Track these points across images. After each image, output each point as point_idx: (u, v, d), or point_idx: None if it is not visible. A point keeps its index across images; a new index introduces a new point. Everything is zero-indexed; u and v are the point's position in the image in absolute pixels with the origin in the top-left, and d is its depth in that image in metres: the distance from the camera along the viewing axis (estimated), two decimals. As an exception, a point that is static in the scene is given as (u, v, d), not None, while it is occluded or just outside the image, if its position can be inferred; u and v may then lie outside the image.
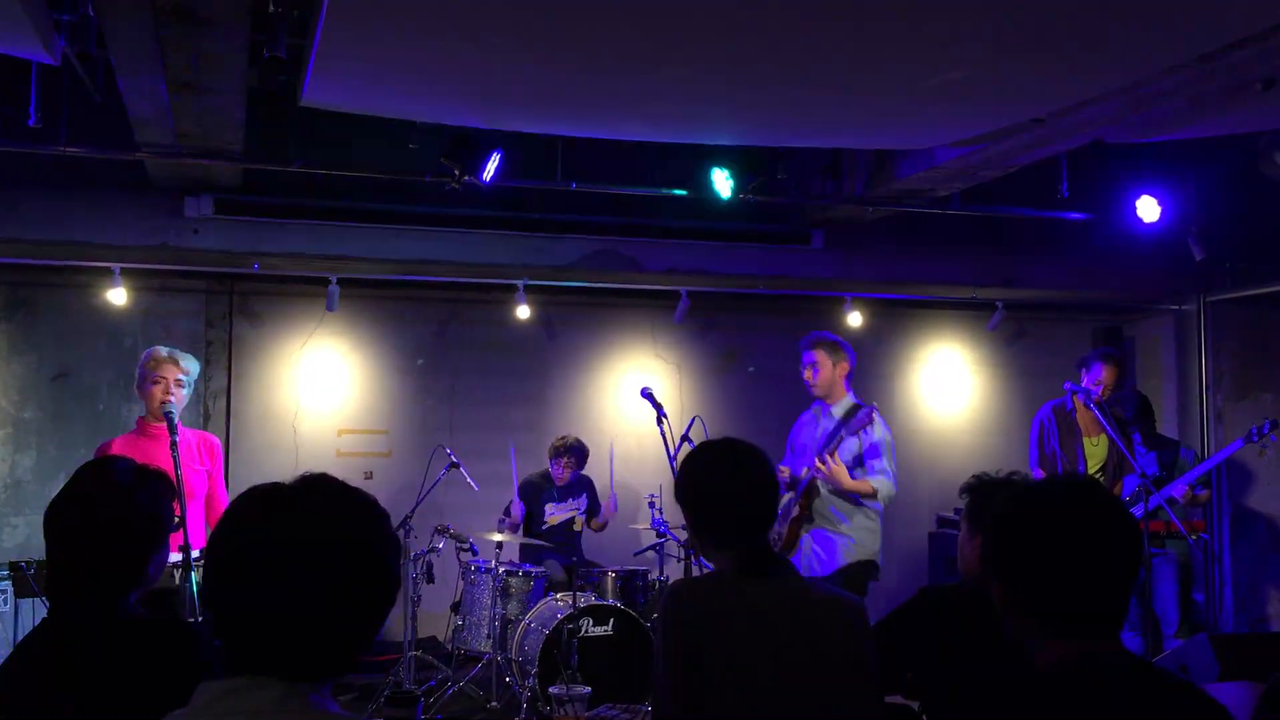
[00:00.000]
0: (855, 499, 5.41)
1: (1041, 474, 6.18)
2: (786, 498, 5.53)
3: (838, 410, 5.61)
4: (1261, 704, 1.96)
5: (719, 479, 2.76)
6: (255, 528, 1.57)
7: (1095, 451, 6.30)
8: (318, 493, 1.61)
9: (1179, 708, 1.86)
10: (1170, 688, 1.88)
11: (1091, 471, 6.25)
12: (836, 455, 5.32)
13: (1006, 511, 2.00)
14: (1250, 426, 6.30)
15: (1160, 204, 6.97)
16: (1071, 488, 2.03)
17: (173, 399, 4.88)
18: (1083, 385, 6.30)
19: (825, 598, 2.72)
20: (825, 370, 5.61)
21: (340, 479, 1.65)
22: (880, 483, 5.38)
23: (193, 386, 5.12)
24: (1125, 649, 1.93)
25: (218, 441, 5.19)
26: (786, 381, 7.79)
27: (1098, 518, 1.92)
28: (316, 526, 1.56)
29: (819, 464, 5.30)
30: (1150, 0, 3.73)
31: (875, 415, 5.45)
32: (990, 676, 1.96)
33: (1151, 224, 7.03)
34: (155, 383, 4.92)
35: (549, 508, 7.06)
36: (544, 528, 7.02)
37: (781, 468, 5.61)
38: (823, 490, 5.44)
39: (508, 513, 6.90)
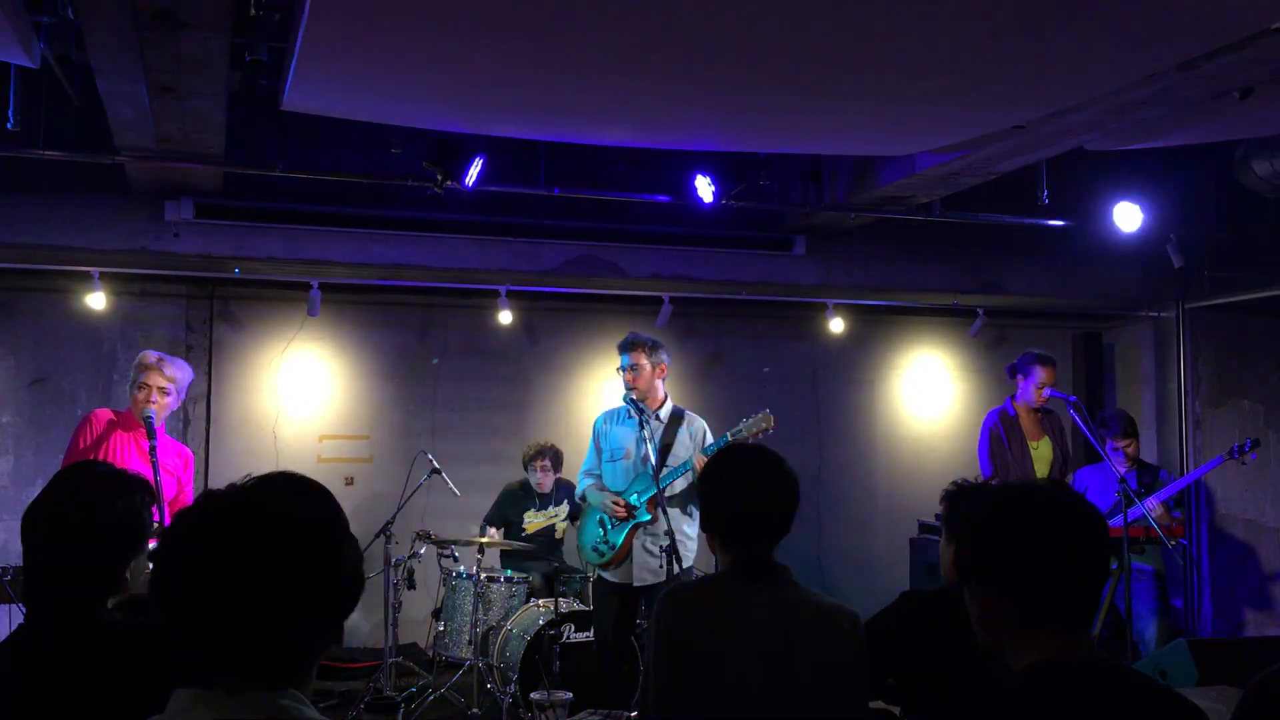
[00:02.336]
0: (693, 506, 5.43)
1: (993, 479, 6.23)
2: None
3: (664, 413, 5.61)
4: (1239, 708, 1.97)
5: (732, 479, 2.80)
6: (196, 551, 1.50)
7: (1040, 454, 6.36)
8: (266, 496, 1.54)
9: (1155, 708, 1.88)
10: (1146, 688, 1.90)
11: (1040, 475, 6.30)
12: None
13: (977, 516, 2.02)
14: (1231, 441, 6.35)
15: (1139, 211, 7.01)
16: (1039, 490, 2.06)
17: (154, 406, 4.88)
18: (1020, 390, 6.38)
19: (821, 605, 2.73)
20: (644, 373, 5.57)
21: (293, 475, 1.58)
22: None
23: (183, 394, 5.13)
24: (1099, 651, 1.95)
25: (191, 455, 5.26)
26: (768, 386, 7.82)
27: (1068, 518, 1.94)
28: (261, 545, 1.49)
29: (700, 459, 5.27)
30: (1130, 9, 3.75)
31: (693, 416, 5.63)
32: (969, 681, 1.98)
33: (1131, 231, 7.07)
34: (140, 389, 4.96)
35: (528, 515, 7.04)
36: (523, 535, 7.00)
37: (613, 495, 5.54)
38: (668, 493, 5.40)
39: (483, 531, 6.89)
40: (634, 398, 5.54)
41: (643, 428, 5.41)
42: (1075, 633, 1.91)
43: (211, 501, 1.54)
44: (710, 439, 5.54)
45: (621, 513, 5.42)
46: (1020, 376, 6.44)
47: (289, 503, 1.56)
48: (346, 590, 1.57)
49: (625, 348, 5.63)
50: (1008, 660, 1.94)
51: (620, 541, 5.43)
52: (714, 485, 2.84)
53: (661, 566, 5.26)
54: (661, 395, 5.66)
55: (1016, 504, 2.00)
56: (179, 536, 1.54)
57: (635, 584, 5.41)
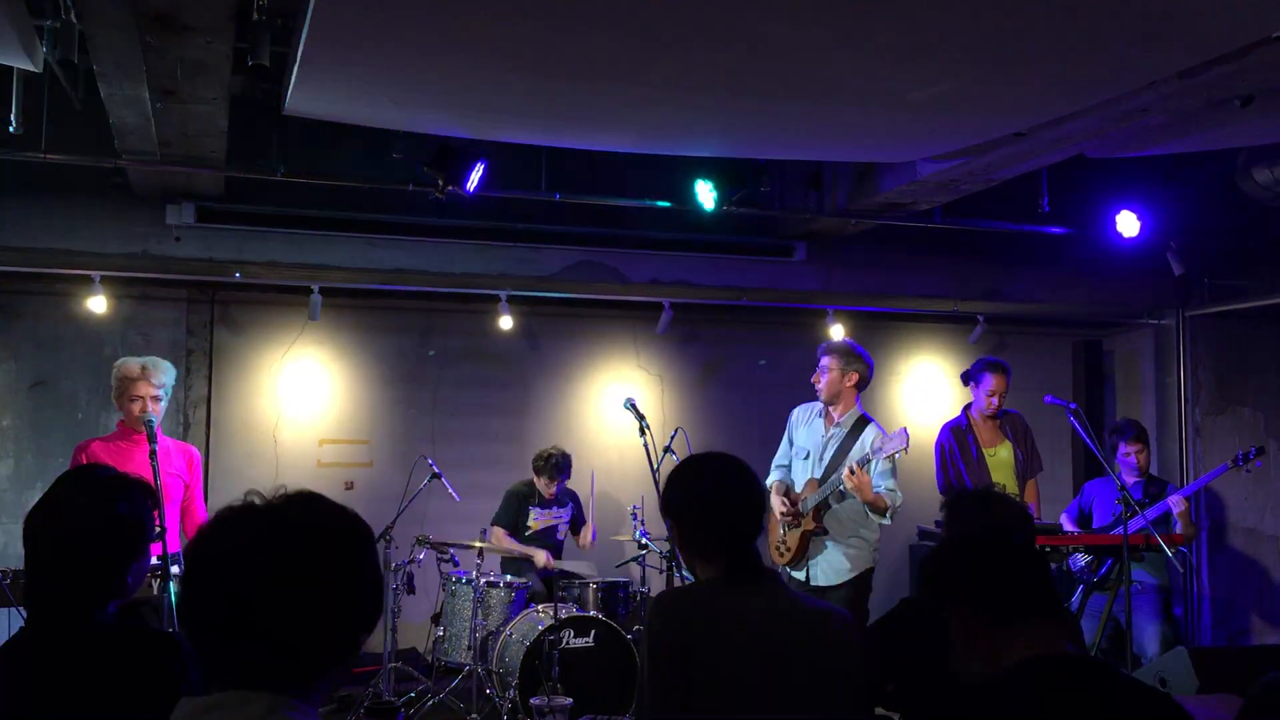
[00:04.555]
0: (866, 510, 5.48)
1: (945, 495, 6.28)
2: (785, 511, 5.64)
3: (846, 420, 5.69)
4: (1241, 716, 1.99)
5: (704, 491, 2.77)
6: (230, 551, 1.54)
7: (996, 462, 6.38)
8: (297, 516, 1.58)
9: (1134, 694, 2.04)
10: (1126, 681, 2.08)
11: (997, 480, 6.31)
12: (864, 470, 5.36)
13: (933, 554, 2.41)
14: (1231, 448, 6.33)
15: (1140, 219, 7.02)
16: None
17: (152, 412, 4.87)
18: (974, 398, 6.40)
19: (813, 609, 2.73)
20: (833, 377, 5.71)
21: (323, 496, 1.62)
22: (893, 499, 5.48)
23: (170, 392, 5.11)
24: (1074, 650, 2.16)
25: (197, 453, 5.21)
26: (768, 393, 7.81)
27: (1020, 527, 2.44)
28: (294, 553, 1.54)
29: (848, 475, 5.33)
30: (1131, 17, 3.76)
31: (875, 428, 5.63)
32: (963, 679, 2.14)
33: (1131, 239, 7.08)
34: (132, 400, 4.93)
35: (533, 514, 7.04)
36: (527, 534, 7.00)
37: (777, 484, 5.78)
38: (834, 504, 5.52)
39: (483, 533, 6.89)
40: (822, 399, 5.77)
41: (823, 429, 5.72)
42: (1047, 618, 2.15)
43: (247, 507, 1.58)
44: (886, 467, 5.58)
45: (788, 516, 5.63)
46: (972, 384, 6.46)
47: (319, 516, 1.60)
48: (365, 606, 1.61)
49: (823, 349, 5.83)
50: (991, 669, 2.12)
51: (795, 542, 5.58)
52: (685, 502, 2.79)
53: (850, 569, 5.51)
54: (852, 405, 5.74)
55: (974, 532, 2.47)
56: (211, 539, 1.57)
57: (813, 584, 5.53)
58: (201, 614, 1.54)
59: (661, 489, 2.91)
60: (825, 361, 5.75)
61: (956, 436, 6.40)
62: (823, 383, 5.73)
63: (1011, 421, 6.50)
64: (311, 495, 1.61)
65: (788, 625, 2.63)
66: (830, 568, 5.53)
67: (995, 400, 6.37)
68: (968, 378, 6.53)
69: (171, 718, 1.53)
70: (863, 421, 5.67)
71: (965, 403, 6.62)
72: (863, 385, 5.75)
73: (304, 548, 1.55)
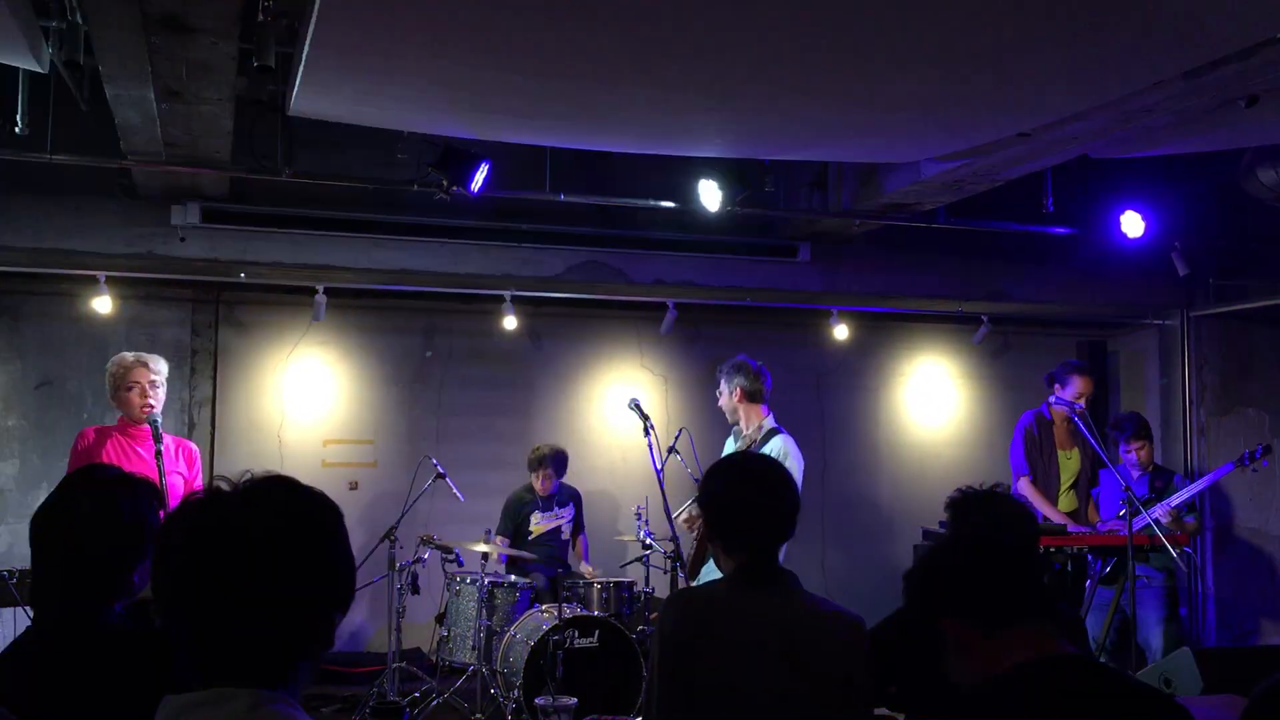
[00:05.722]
0: None
1: (1030, 479, 6.25)
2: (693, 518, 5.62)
3: (755, 434, 5.64)
4: (1244, 717, 1.98)
5: (736, 490, 2.82)
6: (199, 533, 1.54)
7: (1068, 464, 6.36)
8: (266, 497, 1.57)
9: (1131, 694, 2.05)
10: (1122, 680, 2.10)
11: (1065, 483, 6.29)
12: None
13: (919, 564, 2.38)
14: (1236, 449, 6.30)
15: (1144, 219, 7.01)
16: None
17: (153, 401, 4.89)
18: (1058, 398, 6.37)
19: (822, 612, 2.72)
20: (723, 398, 5.75)
21: (291, 478, 1.62)
22: None
23: (166, 382, 5.14)
24: (1074, 650, 2.17)
25: (196, 449, 5.24)
26: (772, 393, 7.79)
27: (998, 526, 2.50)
28: (265, 532, 1.53)
29: None
30: (1136, 17, 3.76)
31: (782, 438, 5.53)
32: (962, 682, 2.20)
33: (1135, 239, 7.07)
34: (130, 388, 4.95)
35: (535, 517, 7.04)
36: (530, 538, 7.00)
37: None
38: None
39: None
40: (729, 421, 5.76)
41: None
42: (1043, 619, 2.15)
43: (214, 491, 1.58)
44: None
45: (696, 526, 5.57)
46: (1058, 386, 6.40)
47: (288, 497, 1.59)
48: (338, 585, 1.60)
49: (717, 372, 5.81)
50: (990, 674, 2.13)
51: (696, 551, 5.53)
52: (716, 487, 2.86)
53: None
54: (758, 416, 5.68)
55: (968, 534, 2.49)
56: (179, 522, 1.57)
57: None
58: (174, 598, 1.54)
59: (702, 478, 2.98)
60: (717, 385, 5.78)
61: (1040, 427, 6.38)
62: (720, 404, 5.78)
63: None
64: (279, 477, 1.60)
65: (799, 628, 2.63)
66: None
67: (1082, 403, 6.31)
68: (1052, 379, 6.49)
69: (157, 716, 1.54)
70: (772, 433, 5.59)
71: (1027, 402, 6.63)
72: (755, 397, 5.67)
73: (274, 527, 1.54)
